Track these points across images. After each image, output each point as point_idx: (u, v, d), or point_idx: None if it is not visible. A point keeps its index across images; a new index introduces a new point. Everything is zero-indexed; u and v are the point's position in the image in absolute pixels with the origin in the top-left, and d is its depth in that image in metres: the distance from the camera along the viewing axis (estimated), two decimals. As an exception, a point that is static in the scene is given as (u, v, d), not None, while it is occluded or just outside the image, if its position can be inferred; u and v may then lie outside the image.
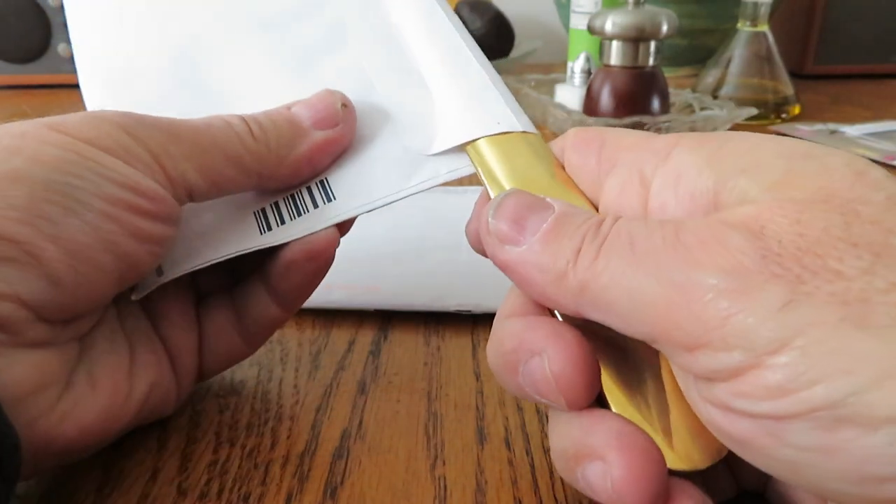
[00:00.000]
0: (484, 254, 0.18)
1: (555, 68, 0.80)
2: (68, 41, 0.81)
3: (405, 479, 0.20)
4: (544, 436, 0.21)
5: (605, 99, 0.53)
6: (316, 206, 0.22)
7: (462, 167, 0.21)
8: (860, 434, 0.12)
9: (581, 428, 0.16)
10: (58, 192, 0.17)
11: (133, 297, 0.22)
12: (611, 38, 0.52)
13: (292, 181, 0.22)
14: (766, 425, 0.13)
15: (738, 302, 0.13)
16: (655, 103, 0.53)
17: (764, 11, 0.60)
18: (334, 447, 0.21)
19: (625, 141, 0.18)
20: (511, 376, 0.17)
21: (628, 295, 0.14)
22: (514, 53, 0.84)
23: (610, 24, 0.51)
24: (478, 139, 0.20)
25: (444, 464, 0.20)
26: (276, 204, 0.22)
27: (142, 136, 0.19)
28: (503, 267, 0.17)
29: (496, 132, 0.20)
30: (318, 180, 0.22)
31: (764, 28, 0.61)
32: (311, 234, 0.21)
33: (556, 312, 0.17)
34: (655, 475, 0.15)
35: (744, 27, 0.62)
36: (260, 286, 0.23)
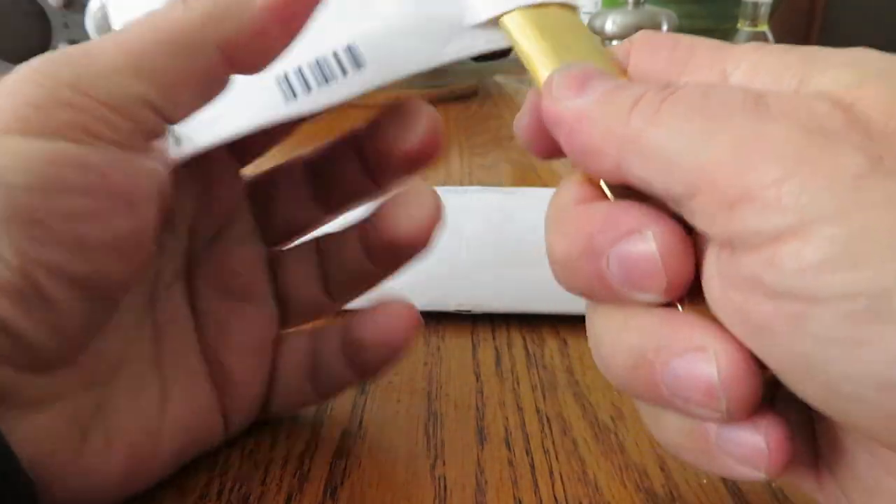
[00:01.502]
0: (534, 150, 0.17)
1: (555, 68, 0.80)
2: (68, 41, 0.81)
3: (405, 479, 0.20)
4: (544, 436, 0.21)
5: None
6: (344, 72, 0.20)
7: (500, 38, 0.20)
8: None
9: (671, 320, 0.14)
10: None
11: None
12: (611, 38, 0.52)
13: (269, 51, 0.18)
14: (792, 307, 0.12)
15: (808, 160, 0.11)
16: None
17: (764, 11, 0.60)
18: (334, 447, 0.21)
19: (703, 42, 0.17)
20: (590, 261, 0.15)
21: (685, 141, 0.13)
22: (514, 53, 0.83)
23: (610, 24, 0.52)
24: (514, 9, 0.19)
25: (444, 464, 0.20)
26: (301, 69, 0.20)
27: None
28: (554, 120, 0.16)
29: (535, 2, 0.19)
30: (344, 45, 0.20)
31: (764, 28, 0.61)
32: (389, 322, 0.21)
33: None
34: (756, 370, 0.13)
35: (744, 27, 0.62)
36: (339, 352, 0.21)
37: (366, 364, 0.21)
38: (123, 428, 0.18)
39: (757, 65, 0.15)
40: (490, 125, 0.63)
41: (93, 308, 0.16)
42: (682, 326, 0.14)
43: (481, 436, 0.22)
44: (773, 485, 0.19)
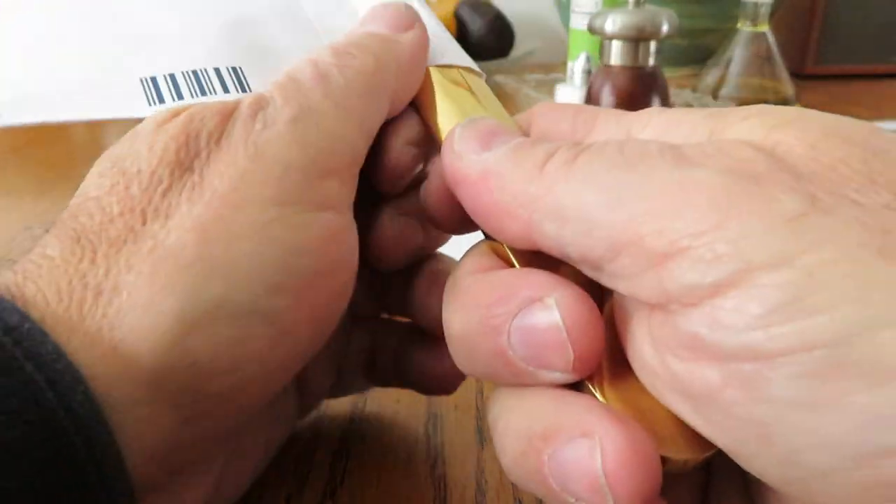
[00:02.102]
0: (441, 220, 0.17)
1: (555, 68, 0.80)
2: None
3: (405, 479, 0.20)
4: (544, 436, 0.21)
5: (606, 99, 0.53)
6: (226, 90, 0.19)
7: None
8: (865, 386, 0.09)
9: (562, 400, 0.13)
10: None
11: None
12: (611, 38, 0.52)
13: (407, 97, 0.19)
14: (740, 370, 0.10)
15: (739, 205, 0.10)
16: (656, 103, 0.53)
17: (764, 11, 0.60)
18: (334, 447, 0.21)
19: (605, 111, 0.16)
20: (489, 337, 0.13)
21: (603, 197, 0.12)
22: (514, 53, 0.83)
23: (610, 24, 0.51)
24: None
25: (444, 464, 0.20)
26: (173, 76, 0.19)
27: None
28: (457, 178, 0.15)
29: (444, 63, 0.19)
30: (229, 66, 0.19)
31: (764, 28, 0.61)
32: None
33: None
34: (652, 459, 0.11)
35: (744, 27, 0.62)
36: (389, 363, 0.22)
37: (404, 382, 0.22)
38: (245, 468, 0.18)
39: (664, 124, 0.14)
40: (490, 125, 0.63)
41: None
42: (572, 408, 0.12)
43: (481, 436, 0.22)
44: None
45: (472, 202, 0.14)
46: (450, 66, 0.20)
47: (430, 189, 0.17)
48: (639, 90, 0.53)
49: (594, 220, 0.12)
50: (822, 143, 0.11)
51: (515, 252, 0.15)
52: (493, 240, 0.15)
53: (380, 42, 0.18)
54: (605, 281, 0.13)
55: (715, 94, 0.63)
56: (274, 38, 0.20)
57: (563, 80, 0.66)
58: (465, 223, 0.16)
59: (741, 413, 0.10)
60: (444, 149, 0.15)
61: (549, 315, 0.12)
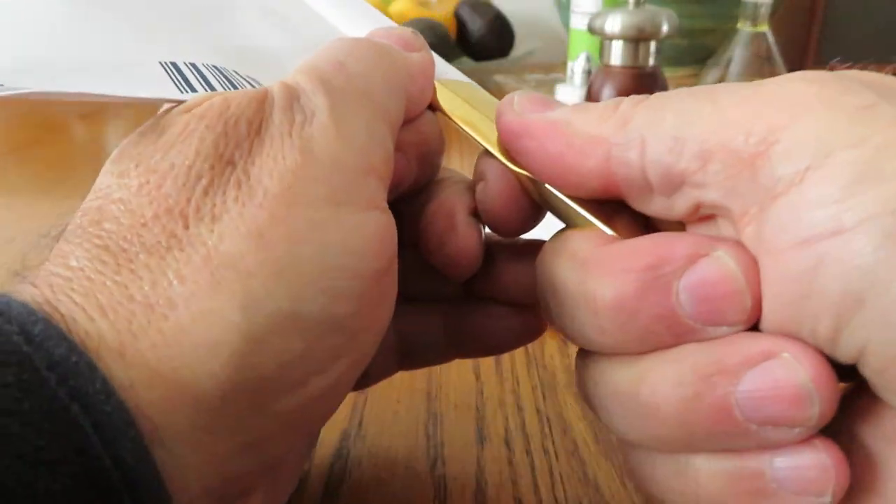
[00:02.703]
0: (504, 223, 0.17)
1: (555, 68, 0.80)
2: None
3: (405, 479, 0.20)
4: (544, 436, 0.21)
5: (606, 99, 0.53)
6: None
7: None
8: None
9: (724, 341, 0.13)
10: None
11: None
12: (611, 38, 0.52)
13: (416, 112, 0.18)
14: (832, 245, 0.11)
15: (815, 101, 0.12)
16: (655, 103, 0.53)
17: (764, 11, 0.60)
18: (334, 447, 0.21)
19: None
20: (654, 298, 0.13)
21: (682, 116, 0.13)
22: (514, 53, 0.83)
23: (610, 24, 0.51)
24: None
25: (444, 464, 0.20)
26: (195, 65, 0.17)
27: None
28: (522, 130, 0.15)
29: (448, 77, 0.20)
30: (248, 75, 0.19)
31: (764, 28, 0.61)
32: (506, 324, 0.19)
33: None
34: (829, 367, 0.12)
35: (744, 27, 0.62)
36: (441, 336, 0.20)
37: (476, 350, 0.20)
38: (283, 488, 0.17)
39: None
40: (490, 125, 0.63)
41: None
42: (743, 340, 0.13)
43: (481, 436, 0.22)
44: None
45: (540, 150, 0.15)
46: (446, 81, 0.20)
47: (488, 192, 0.17)
48: (639, 90, 0.52)
49: (677, 137, 0.13)
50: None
51: (583, 205, 0.15)
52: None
53: (390, 48, 0.18)
54: (684, 201, 0.14)
55: (715, 94, 0.63)
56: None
57: (563, 80, 0.66)
58: (525, 221, 0.17)
59: (837, 287, 0.11)
60: (502, 110, 0.16)
61: (722, 267, 0.13)
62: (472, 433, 0.22)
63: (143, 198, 0.13)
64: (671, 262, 0.13)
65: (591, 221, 0.15)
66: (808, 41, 0.82)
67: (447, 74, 0.20)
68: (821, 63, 0.82)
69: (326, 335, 0.13)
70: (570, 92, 0.63)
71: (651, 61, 0.53)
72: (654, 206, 0.14)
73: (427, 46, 0.19)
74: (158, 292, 0.12)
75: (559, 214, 0.16)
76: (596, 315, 0.14)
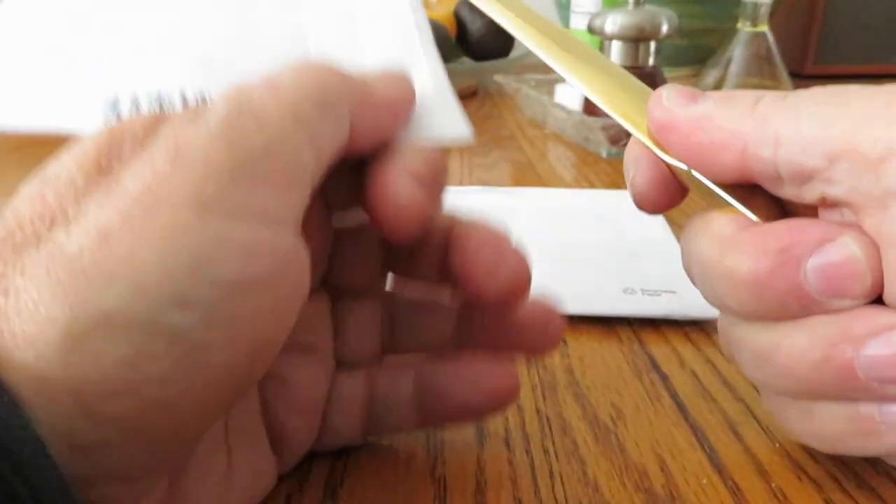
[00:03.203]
0: (652, 202, 0.19)
1: (555, 68, 0.80)
2: (68, 41, 0.81)
3: (405, 479, 0.20)
4: (544, 436, 0.21)
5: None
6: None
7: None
8: None
9: (850, 312, 0.15)
10: None
11: None
12: (611, 38, 0.52)
13: (369, 138, 0.17)
14: None
15: None
16: (655, 103, 0.53)
17: (764, 11, 0.60)
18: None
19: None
20: (785, 276, 0.16)
21: (816, 118, 0.15)
22: (514, 53, 0.83)
23: (610, 24, 0.51)
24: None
25: (444, 464, 0.20)
26: (136, 99, 0.18)
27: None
28: (670, 125, 0.18)
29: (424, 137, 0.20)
30: (198, 88, 0.18)
31: (764, 28, 0.61)
32: (485, 380, 0.19)
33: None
34: None
35: (744, 27, 0.62)
36: (408, 398, 0.20)
37: (443, 416, 0.20)
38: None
39: None
40: (490, 125, 0.63)
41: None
42: (868, 312, 0.15)
43: (481, 436, 0.22)
44: (773, 485, 0.19)
45: (686, 143, 0.17)
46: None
47: (639, 177, 0.19)
48: (639, 90, 0.53)
49: (810, 138, 0.15)
50: None
51: (726, 189, 0.18)
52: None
53: (345, 72, 0.17)
54: (812, 192, 0.16)
55: (715, 94, 0.63)
56: (263, 68, 0.19)
57: (563, 80, 0.66)
58: (672, 202, 0.19)
59: None
60: (652, 105, 0.18)
61: (846, 251, 0.15)
62: (472, 433, 0.22)
63: (27, 202, 0.13)
64: (802, 244, 0.15)
65: (733, 205, 0.17)
66: (808, 41, 0.82)
67: (434, 128, 0.20)
68: (820, 63, 0.82)
69: (158, 343, 0.12)
70: (570, 92, 0.63)
71: (651, 61, 0.53)
72: (786, 193, 0.17)
73: (411, 89, 0.19)
74: (3, 284, 0.12)
75: (704, 197, 0.18)
76: (735, 288, 0.16)
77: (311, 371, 0.19)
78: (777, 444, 0.21)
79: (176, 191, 0.13)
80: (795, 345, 0.16)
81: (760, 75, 0.62)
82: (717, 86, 0.63)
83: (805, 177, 0.16)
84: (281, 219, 0.14)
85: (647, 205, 0.20)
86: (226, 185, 0.13)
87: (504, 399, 0.19)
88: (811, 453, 0.20)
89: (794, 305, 0.16)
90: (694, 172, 0.18)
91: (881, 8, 0.79)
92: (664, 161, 0.19)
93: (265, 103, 0.15)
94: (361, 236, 0.20)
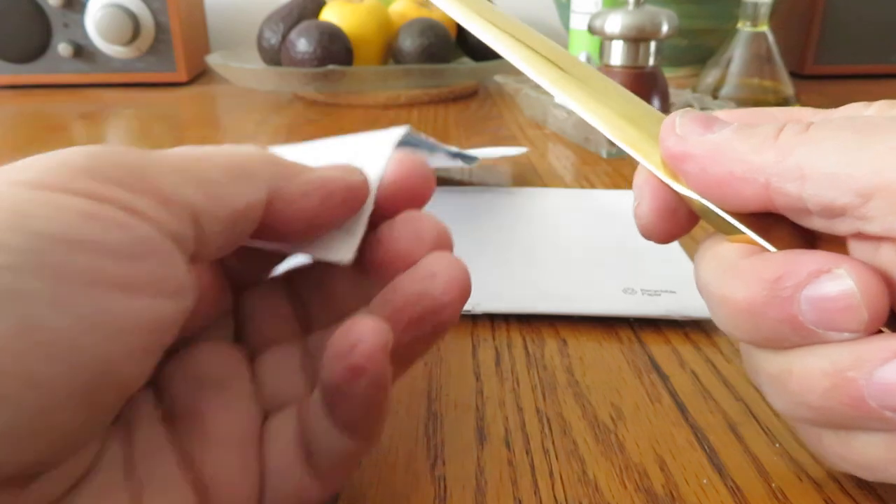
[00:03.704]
0: (657, 232, 0.19)
1: (555, 68, 0.80)
2: (68, 41, 0.81)
3: (405, 479, 0.20)
4: (544, 436, 0.21)
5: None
6: None
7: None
8: None
9: (876, 336, 0.15)
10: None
11: None
12: (611, 38, 0.52)
13: (306, 215, 0.17)
14: None
15: None
16: (656, 103, 0.53)
17: (764, 11, 0.60)
18: (334, 447, 0.21)
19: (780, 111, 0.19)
20: (778, 306, 0.15)
21: (846, 153, 0.14)
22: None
23: (610, 25, 0.51)
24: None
25: (444, 464, 0.20)
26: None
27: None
28: (684, 156, 0.17)
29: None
30: None
31: (764, 28, 0.61)
32: (353, 347, 0.15)
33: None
34: None
35: (744, 27, 0.62)
36: (326, 419, 0.16)
37: (352, 420, 0.16)
38: None
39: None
40: (490, 125, 0.63)
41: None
42: (881, 337, 0.15)
43: (481, 436, 0.22)
44: (773, 485, 0.19)
45: (702, 174, 0.17)
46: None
47: (644, 207, 0.19)
48: (639, 90, 0.53)
49: (840, 174, 0.14)
50: None
51: (741, 219, 0.17)
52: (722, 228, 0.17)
53: (271, 153, 0.17)
54: (844, 227, 0.15)
55: (715, 94, 0.63)
56: None
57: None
58: (682, 230, 0.19)
59: None
60: (664, 134, 0.17)
61: (840, 283, 0.15)
62: (472, 433, 0.22)
63: None
64: (796, 275, 0.15)
65: (751, 237, 0.17)
66: (808, 41, 0.82)
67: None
68: (820, 63, 0.82)
69: None
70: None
71: (651, 61, 0.53)
72: (815, 226, 0.16)
73: (362, 188, 0.18)
74: None
75: (717, 226, 0.17)
76: (734, 315, 0.16)
77: (226, 407, 0.17)
78: (777, 444, 0.21)
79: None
80: (806, 370, 0.16)
81: (760, 75, 0.62)
82: (717, 86, 0.63)
83: (836, 212, 0.15)
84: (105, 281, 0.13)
85: (654, 235, 0.19)
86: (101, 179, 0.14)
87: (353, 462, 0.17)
88: (811, 453, 0.20)
89: (791, 335, 0.15)
90: (710, 205, 0.17)
91: (881, 8, 0.79)
92: (677, 191, 0.18)
93: (167, 158, 0.15)
94: (268, 292, 0.20)
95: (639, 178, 0.19)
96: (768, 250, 0.16)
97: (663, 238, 0.19)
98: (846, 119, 0.15)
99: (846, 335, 0.15)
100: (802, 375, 0.16)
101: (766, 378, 0.17)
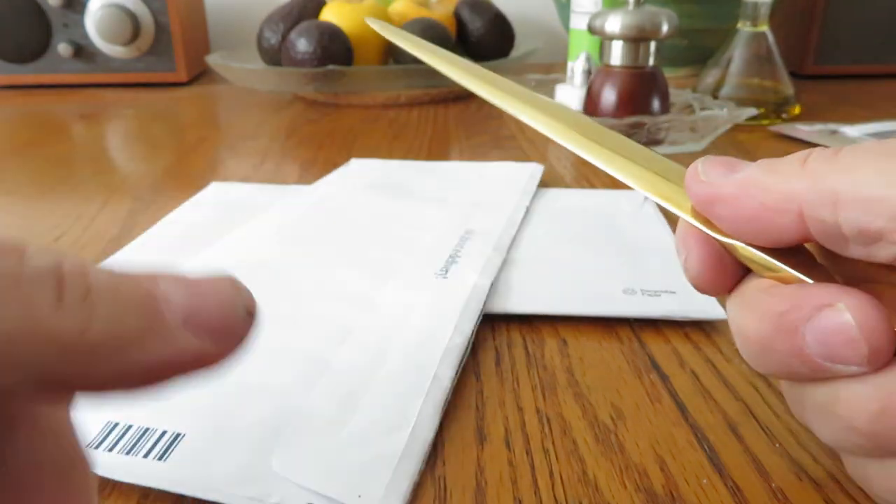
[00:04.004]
0: (709, 283, 0.18)
1: (555, 68, 0.80)
2: (68, 41, 0.81)
3: (405, 479, 0.20)
4: (544, 436, 0.21)
5: (606, 99, 0.53)
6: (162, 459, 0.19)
7: None
8: None
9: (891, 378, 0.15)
10: None
11: None
12: (611, 38, 0.52)
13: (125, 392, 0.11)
14: None
15: None
16: (656, 103, 0.53)
17: (764, 11, 0.60)
18: (334, 447, 0.21)
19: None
20: (786, 338, 0.15)
21: (881, 175, 0.14)
22: (514, 53, 0.83)
23: (610, 24, 0.51)
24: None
25: (444, 464, 0.20)
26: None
27: None
28: (712, 198, 0.17)
29: None
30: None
31: (764, 28, 0.61)
32: None
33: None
34: None
35: (744, 27, 0.62)
36: None
37: None
38: None
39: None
40: (490, 125, 0.63)
41: None
42: None
43: (481, 436, 0.22)
44: (773, 485, 0.19)
45: (734, 214, 0.16)
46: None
47: (691, 260, 0.18)
48: (639, 90, 0.53)
49: (874, 197, 0.14)
50: None
51: (774, 254, 0.17)
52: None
53: (138, 309, 0.11)
54: (883, 253, 0.15)
55: (715, 94, 0.63)
56: None
57: (563, 80, 0.66)
58: (733, 280, 0.18)
59: None
60: (690, 181, 0.17)
61: (839, 318, 0.15)
62: (472, 433, 0.22)
63: None
64: (801, 309, 0.15)
65: (789, 272, 0.17)
66: (808, 41, 0.82)
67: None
68: (821, 63, 0.82)
69: None
70: (570, 92, 0.63)
71: (651, 61, 0.53)
72: (853, 253, 0.16)
73: (245, 336, 0.12)
74: None
75: (757, 268, 0.17)
76: (747, 347, 0.17)
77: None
78: (777, 444, 0.21)
79: None
80: (853, 395, 0.15)
81: (760, 75, 0.62)
82: (718, 86, 0.63)
83: (872, 237, 0.15)
84: None
85: (705, 287, 0.18)
86: None
87: None
88: (811, 453, 0.20)
89: (802, 368, 0.16)
90: (744, 247, 0.17)
91: (881, 8, 0.79)
92: (712, 237, 0.18)
93: None
94: None
95: (680, 232, 0.19)
96: (790, 285, 0.16)
97: (715, 289, 0.18)
98: (877, 143, 0.15)
99: (854, 368, 0.15)
100: (850, 399, 0.15)
101: (812, 406, 0.17)
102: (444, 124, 0.63)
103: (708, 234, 0.18)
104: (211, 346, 0.12)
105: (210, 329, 0.12)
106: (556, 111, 0.22)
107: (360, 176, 0.46)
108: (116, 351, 0.10)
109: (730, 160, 0.17)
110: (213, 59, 0.74)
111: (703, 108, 0.57)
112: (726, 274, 0.18)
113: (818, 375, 0.16)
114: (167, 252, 0.34)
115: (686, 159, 0.57)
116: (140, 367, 0.11)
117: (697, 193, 0.17)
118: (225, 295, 0.12)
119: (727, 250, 0.18)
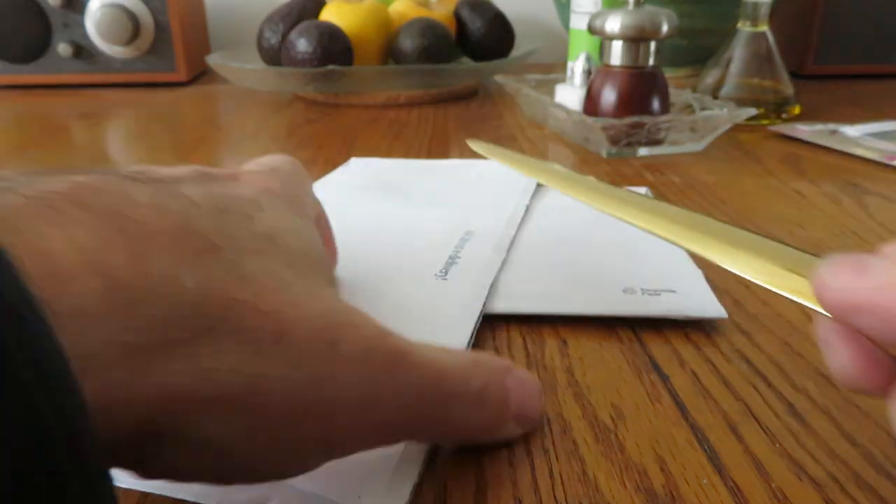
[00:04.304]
0: (869, 382, 0.17)
1: (555, 68, 0.80)
2: (68, 41, 0.81)
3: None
4: (544, 436, 0.21)
5: (606, 99, 0.53)
6: None
7: None
8: None
9: None
10: None
11: None
12: (611, 38, 0.52)
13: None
14: None
15: None
16: (656, 103, 0.53)
17: (764, 11, 0.60)
18: (334, 447, 0.21)
19: None
20: None
21: None
22: (514, 53, 0.83)
23: (610, 24, 0.51)
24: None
25: (444, 464, 0.20)
26: None
27: None
28: (851, 307, 0.16)
29: None
30: None
31: (764, 28, 0.61)
32: None
33: None
34: None
35: (744, 27, 0.62)
36: None
37: None
38: None
39: None
40: (490, 125, 0.63)
41: None
42: None
43: (481, 436, 0.22)
44: (773, 485, 0.19)
45: (882, 322, 0.15)
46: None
47: (839, 362, 0.17)
48: (639, 90, 0.53)
49: None
50: None
51: None
52: None
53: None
54: None
55: (715, 94, 0.63)
56: None
57: (563, 80, 0.66)
58: (886, 377, 0.17)
59: None
60: (820, 292, 0.16)
61: None
62: (472, 433, 0.22)
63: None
64: None
65: None
66: (808, 41, 0.82)
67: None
68: (821, 63, 0.82)
69: None
70: (570, 92, 0.63)
71: (651, 61, 0.53)
72: None
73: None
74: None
75: None
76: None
77: None
78: (777, 444, 0.21)
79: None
80: None
81: (760, 75, 0.62)
82: (717, 86, 0.63)
83: None
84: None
85: (862, 386, 0.17)
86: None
87: None
88: (811, 453, 0.20)
89: None
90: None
91: (881, 8, 0.79)
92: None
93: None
94: None
95: (821, 330, 0.17)
96: None
97: (872, 388, 0.17)
98: None
99: None
100: None
101: None
102: (444, 124, 0.63)
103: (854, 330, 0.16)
104: (520, 431, 0.21)
105: (527, 422, 0.21)
106: (669, 213, 0.22)
107: (359, 175, 0.46)
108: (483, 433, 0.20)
109: (855, 260, 0.16)
110: (213, 59, 0.74)
111: (703, 108, 0.57)
112: (881, 370, 0.17)
113: None
114: None
115: (686, 159, 0.56)
116: (464, 441, 0.21)
117: (834, 308, 0.16)
118: (538, 396, 0.21)
119: (879, 346, 0.16)
